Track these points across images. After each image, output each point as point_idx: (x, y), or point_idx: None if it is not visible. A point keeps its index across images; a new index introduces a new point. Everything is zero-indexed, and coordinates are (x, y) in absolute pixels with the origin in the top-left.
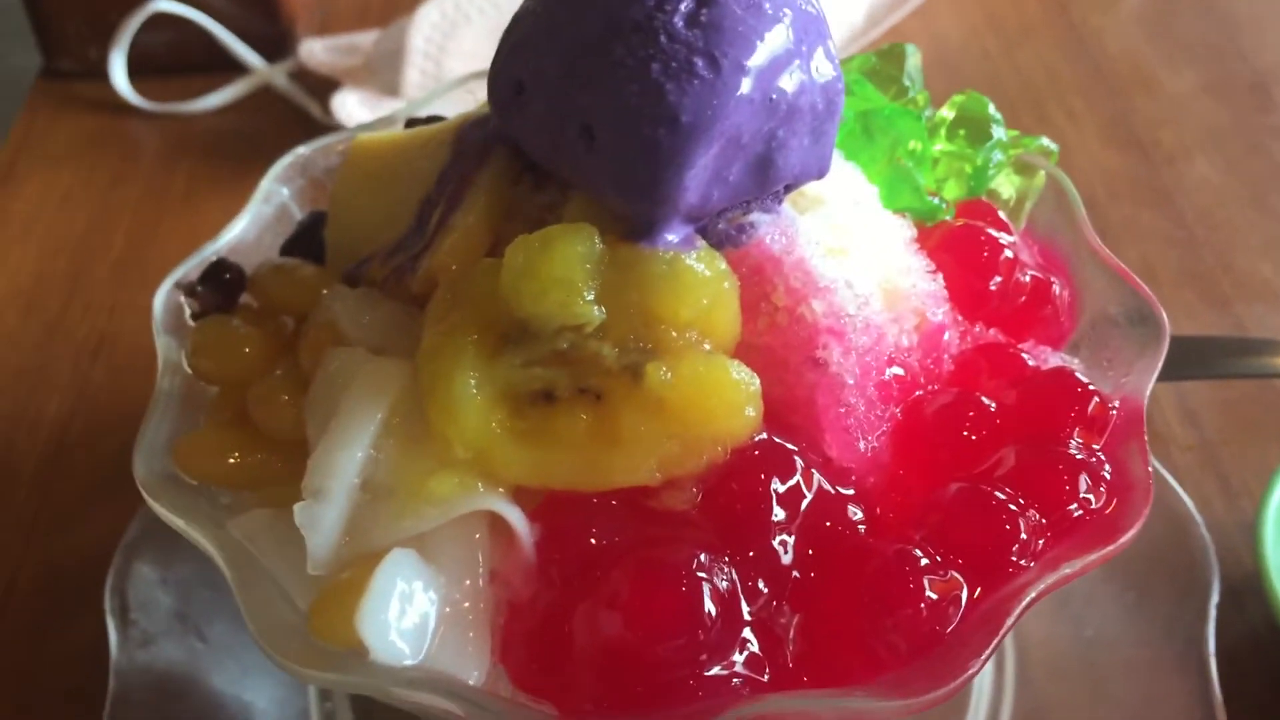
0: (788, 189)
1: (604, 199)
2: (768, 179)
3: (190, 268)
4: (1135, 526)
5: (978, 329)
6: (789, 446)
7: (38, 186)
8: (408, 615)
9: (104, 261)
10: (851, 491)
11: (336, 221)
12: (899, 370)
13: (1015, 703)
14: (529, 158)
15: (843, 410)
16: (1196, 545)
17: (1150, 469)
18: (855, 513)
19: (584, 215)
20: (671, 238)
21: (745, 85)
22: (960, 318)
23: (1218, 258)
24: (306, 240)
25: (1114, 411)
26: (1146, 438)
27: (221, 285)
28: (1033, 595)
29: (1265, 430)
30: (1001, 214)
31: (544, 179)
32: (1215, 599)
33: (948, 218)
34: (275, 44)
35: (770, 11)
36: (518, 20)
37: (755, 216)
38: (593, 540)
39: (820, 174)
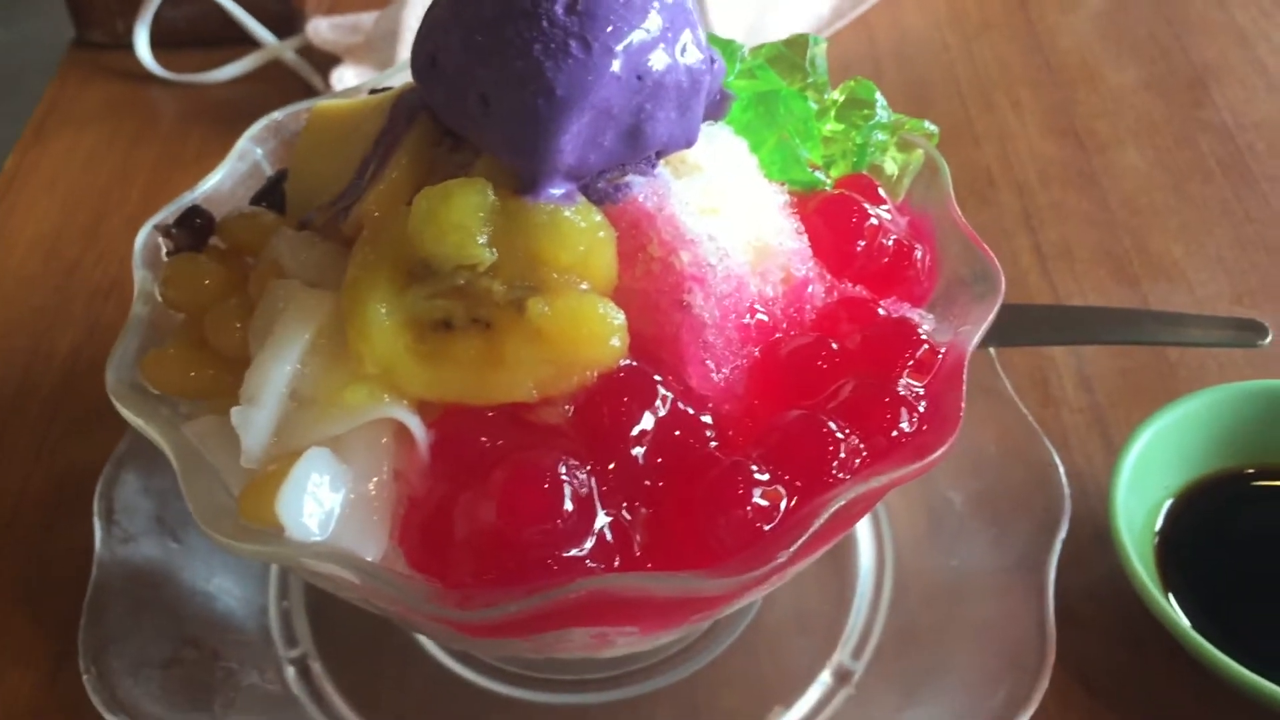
0: (659, 155)
1: (500, 158)
2: (638, 145)
3: (169, 213)
4: (939, 450)
5: (846, 285)
6: (652, 374)
7: (65, 145)
8: (319, 502)
9: (120, 215)
10: (708, 417)
11: (295, 177)
12: (762, 316)
13: (888, 620)
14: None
15: (703, 346)
16: (1054, 490)
17: (961, 406)
18: (705, 431)
19: (490, 173)
20: (555, 192)
21: (614, 65)
22: (827, 275)
23: (1134, 239)
24: (272, 193)
25: (940, 356)
26: (964, 380)
27: (193, 228)
28: (841, 503)
29: (1152, 395)
30: (881, 188)
31: (460, 141)
32: (1062, 535)
33: (827, 188)
34: (286, 21)
35: (639, 2)
36: (434, 3)
37: (631, 178)
38: (479, 445)
39: (688, 143)
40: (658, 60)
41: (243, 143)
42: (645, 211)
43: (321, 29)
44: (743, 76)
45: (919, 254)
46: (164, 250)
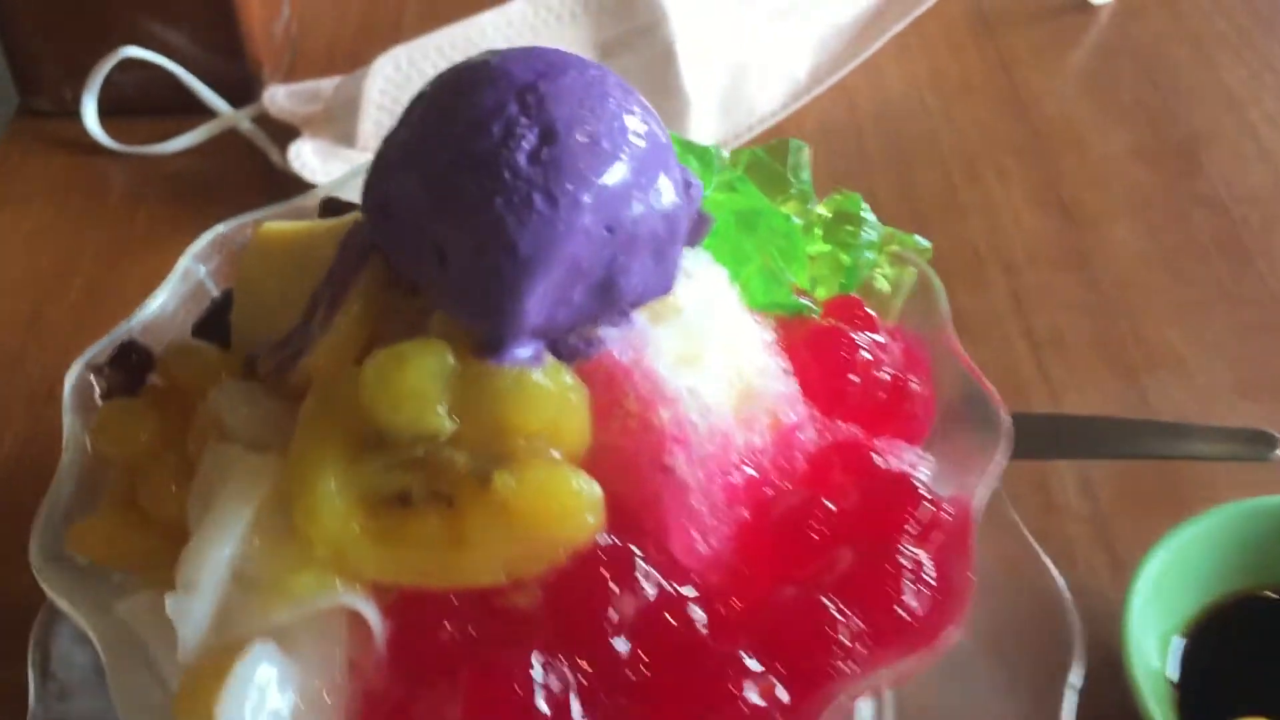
0: (633, 305)
1: (455, 316)
2: (611, 299)
3: (103, 347)
4: (948, 631)
5: (838, 424)
6: (631, 549)
7: (6, 224)
8: (265, 705)
9: (63, 304)
10: (693, 593)
11: (241, 305)
12: (749, 471)
13: None
14: None
15: (687, 513)
16: (1065, 626)
17: (971, 577)
18: (695, 613)
19: (447, 328)
20: (521, 353)
21: (583, 218)
22: (818, 414)
23: (1129, 324)
24: (216, 322)
25: (946, 517)
26: (972, 543)
27: (129, 366)
28: (845, 699)
29: (1157, 503)
30: (869, 309)
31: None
32: (1075, 679)
33: (815, 315)
34: (242, 88)
35: (608, 149)
36: (386, 142)
37: (604, 330)
38: (443, 636)
39: (664, 291)
40: (630, 210)
41: (185, 261)
42: (620, 365)
43: (278, 98)
44: (721, 189)
45: (915, 387)
46: (97, 392)
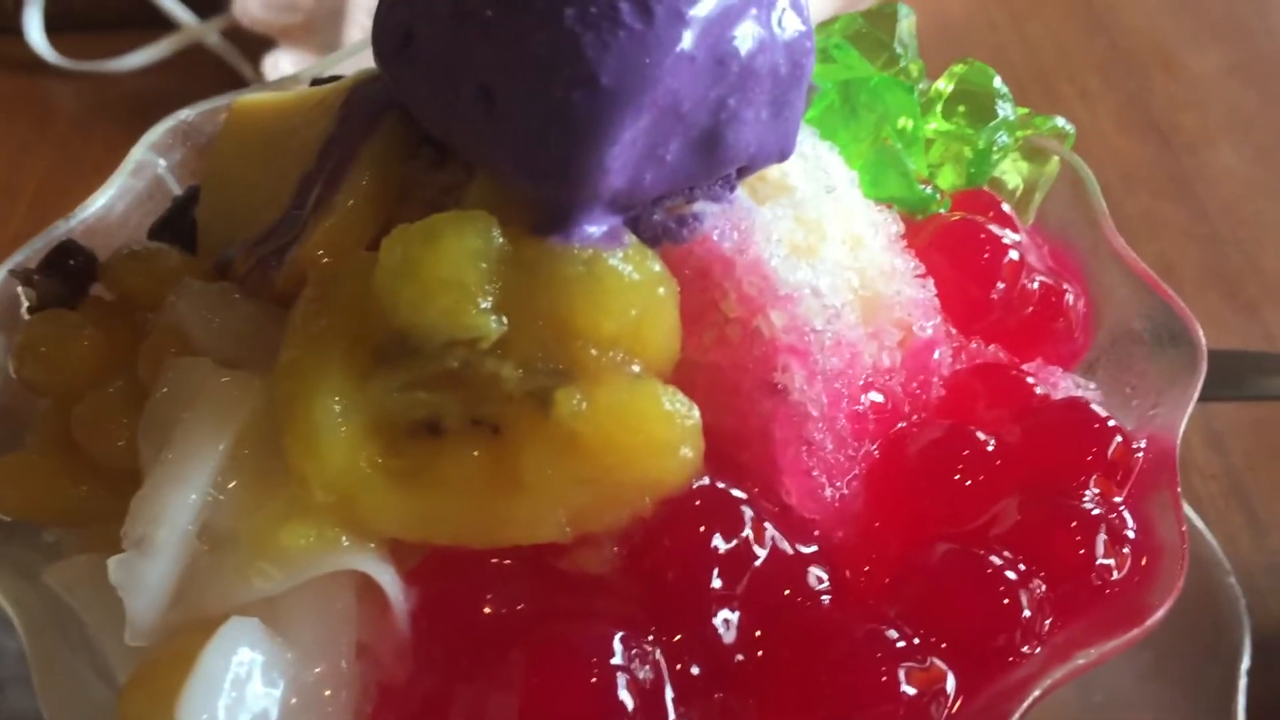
0: (741, 173)
1: (508, 180)
2: (715, 159)
3: (33, 251)
4: (1166, 603)
5: (975, 345)
6: (736, 494)
7: None
8: (243, 704)
9: (2, 234)
10: (814, 550)
11: (210, 199)
12: (877, 397)
13: None
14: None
15: (805, 448)
16: (1225, 597)
17: (1185, 528)
18: (818, 578)
19: (490, 200)
20: (592, 230)
21: (686, 40)
22: (954, 331)
23: (1245, 257)
24: (178, 222)
25: (1139, 454)
26: (1180, 488)
27: (66, 273)
28: (1037, 693)
29: None
30: (1006, 207)
31: (446, 153)
32: (1246, 663)
33: (942, 210)
34: None
35: None
36: None
37: (701, 206)
38: (485, 610)
39: (782, 155)
40: (747, 35)
41: (140, 152)
42: (720, 254)
43: (251, 7)
44: (822, 60)
45: (1071, 299)
46: (25, 304)
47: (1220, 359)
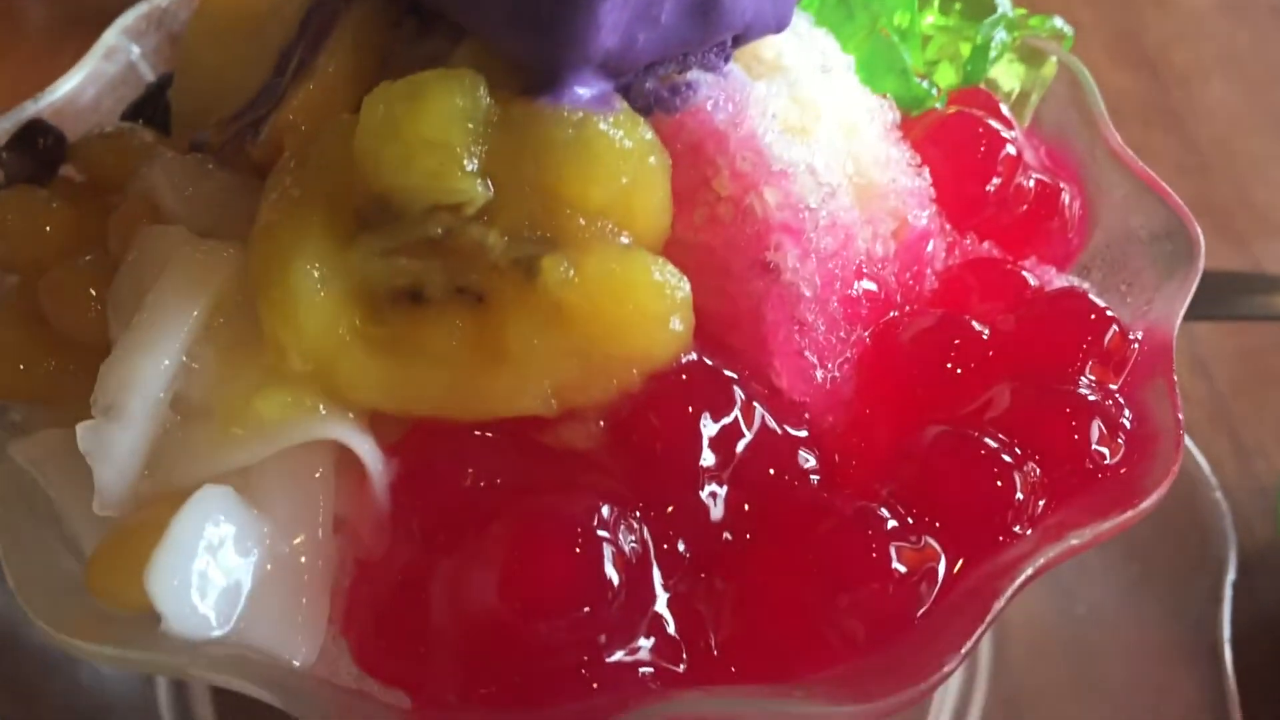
0: (736, 41)
1: (497, 41)
2: (710, 23)
3: (1, 130)
4: (1161, 487)
5: (968, 241)
6: (726, 373)
7: None
8: (216, 572)
9: None
10: (804, 433)
11: (184, 80)
12: (870, 285)
13: (990, 688)
14: None
15: (797, 329)
16: (1210, 512)
17: (1180, 415)
18: (807, 459)
19: (477, 65)
20: (582, 93)
21: None
22: (948, 226)
23: (1234, 189)
24: (152, 105)
25: (1135, 343)
26: (1174, 377)
27: (35, 151)
28: (1029, 571)
29: (1278, 378)
30: (1004, 107)
31: (430, 22)
32: (1231, 576)
33: (938, 106)
34: None
35: None
36: None
37: (694, 75)
38: (466, 484)
39: (779, 25)
40: None
41: (112, 36)
42: (712, 128)
43: None
44: None
45: (1066, 198)
46: None
47: (1206, 279)
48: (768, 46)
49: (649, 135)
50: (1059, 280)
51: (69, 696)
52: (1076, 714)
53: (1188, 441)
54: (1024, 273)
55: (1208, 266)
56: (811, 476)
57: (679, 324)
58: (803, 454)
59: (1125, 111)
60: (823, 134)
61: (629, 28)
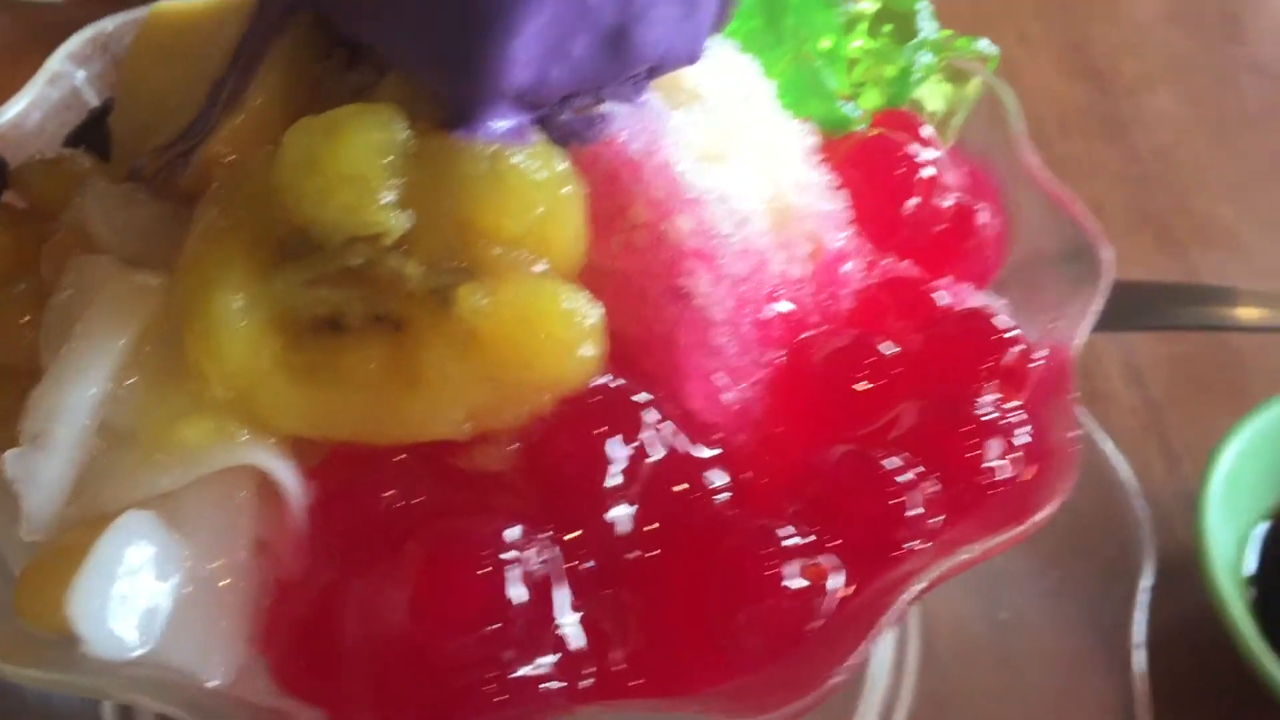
0: (651, 74)
1: (414, 75)
2: (623, 58)
3: None
4: (1052, 503)
5: (887, 261)
6: (637, 395)
7: None
8: (136, 595)
9: None
10: (715, 452)
11: (125, 106)
12: (784, 306)
13: (917, 690)
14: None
15: (708, 353)
16: (1130, 521)
17: (1076, 433)
18: (716, 479)
19: (400, 97)
20: (497, 126)
21: None
22: (867, 246)
23: (1174, 198)
24: (94, 131)
25: (1037, 363)
26: (1074, 395)
27: None
28: (920, 586)
29: (1215, 390)
30: (926, 128)
31: (359, 54)
32: (1146, 583)
33: (861, 128)
34: None
35: None
36: None
37: (610, 107)
38: (383, 506)
39: (692, 58)
40: None
41: (56, 61)
42: (628, 157)
43: None
44: None
45: (983, 218)
46: None
47: (1138, 290)
48: (687, 76)
49: (563, 166)
50: (974, 299)
51: (16, 716)
52: (1000, 709)
53: (1111, 449)
54: (937, 292)
55: (1142, 277)
56: (720, 495)
57: (589, 350)
58: (712, 473)
59: (1072, 122)
60: (740, 160)
61: (542, 63)
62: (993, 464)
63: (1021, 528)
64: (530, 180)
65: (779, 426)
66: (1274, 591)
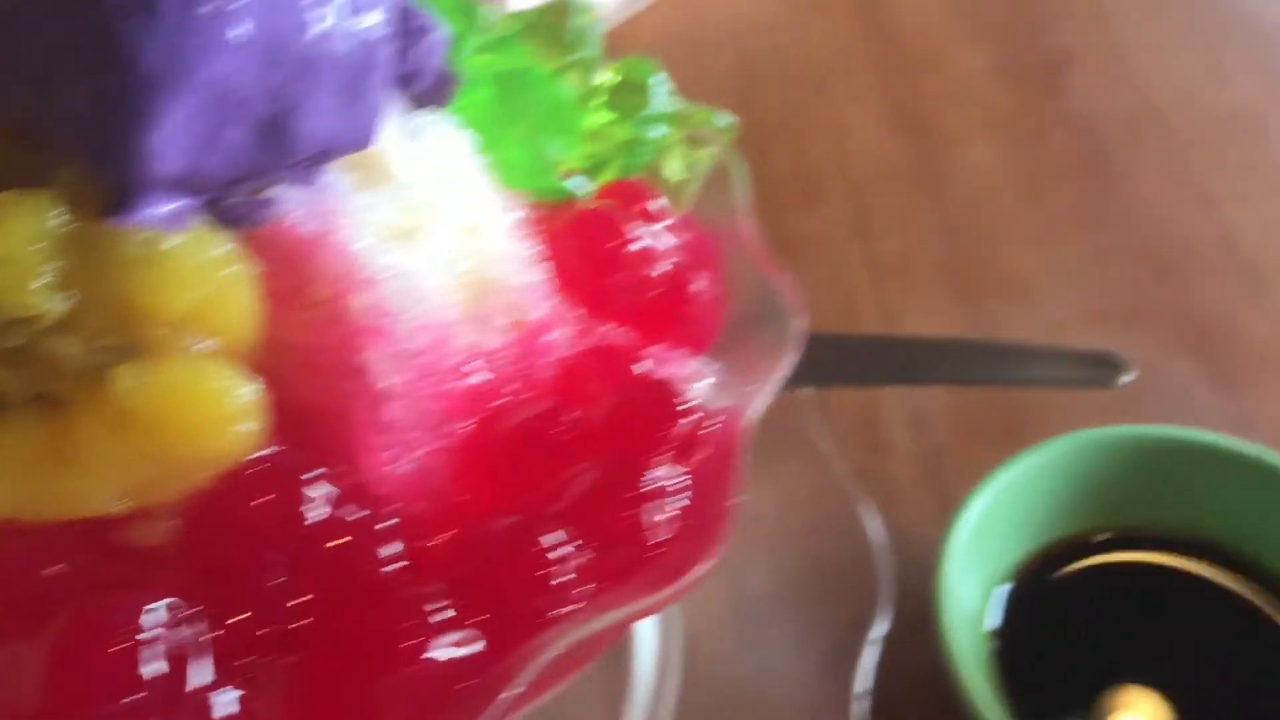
0: (322, 158)
1: (71, 163)
2: (284, 146)
3: None
4: (695, 570)
5: (604, 329)
6: (303, 468)
7: None
8: None
9: None
10: (389, 523)
11: None
12: (477, 378)
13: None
14: None
15: (381, 427)
16: (872, 574)
17: (730, 502)
18: (385, 549)
19: (71, 182)
20: (156, 212)
21: (234, 27)
22: (578, 315)
23: (978, 249)
24: None
25: (711, 430)
26: (740, 462)
27: None
28: (553, 653)
29: (995, 438)
30: (656, 199)
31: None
32: (876, 633)
33: (585, 198)
34: None
35: None
36: None
37: (282, 190)
38: (38, 582)
39: (361, 144)
40: (305, 23)
41: None
42: (305, 237)
43: None
44: (486, 50)
45: (698, 286)
46: None
47: (918, 346)
48: (379, 155)
49: (222, 249)
50: (676, 367)
51: None
52: None
53: (857, 500)
54: (641, 361)
55: (945, 331)
56: (391, 565)
57: (246, 425)
58: (380, 543)
59: (893, 174)
60: (431, 238)
61: (193, 153)
62: (649, 531)
63: (671, 589)
64: (189, 262)
65: (463, 495)
66: (1016, 646)
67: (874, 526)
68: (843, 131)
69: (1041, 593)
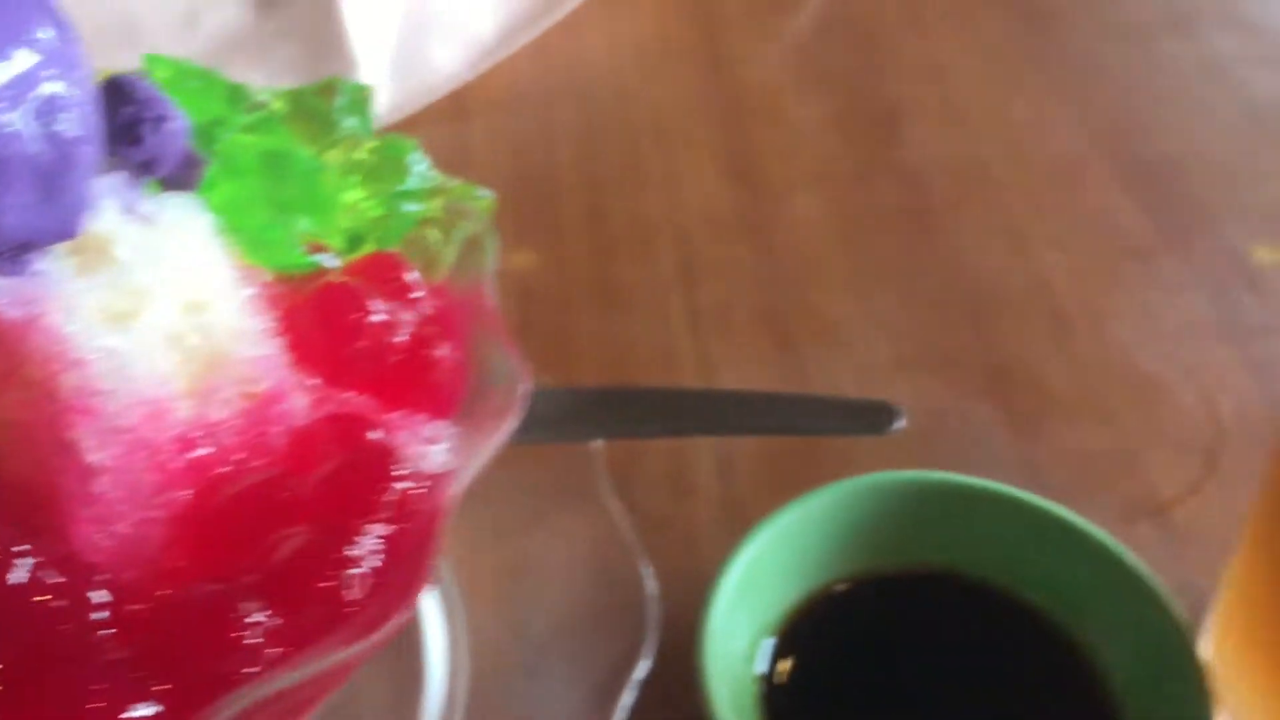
0: (24, 249)
1: None
2: None
3: None
4: (384, 628)
5: (345, 396)
6: (14, 541)
7: None
8: None
9: None
10: (99, 594)
11: None
12: (200, 449)
13: None
14: None
15: (92, 501)
16: (640, 617)
17: (427, 565)
18: (89, 617)
19: None
20: None
21: None
22: (316, 385)
23: (797, 296)
24: None
25: (418, 497)
26: (440, 524)
27: None
28: (234, 710)
29: (793, 482)
30: (409, 270)
31: None
32: (639, 673)
33: (333, 272)
34: None
35: None
36: None
37: None
38: None
39: (63, 236)
40: None
41: None
42: (13, 324)
43: None
44: (250, 131)
45: (440, 353)
46: None
47: (701, 398)
48: (100, 240)
49: None
50: (429, 430)
51: None
52: None
53: (633, 545)
54: (370, 429)
55: (760, 378)
56: (88, 632)
57: None
58: (84, 611)
59: (718, 226)
60: (151, 318)
61: None
62: (347, 591)
63: (363, 644)
64: None
65: (176, 562)
66: (784, 690)
67: (648, 575)
68: (677, 182)
69: (808, 636)
